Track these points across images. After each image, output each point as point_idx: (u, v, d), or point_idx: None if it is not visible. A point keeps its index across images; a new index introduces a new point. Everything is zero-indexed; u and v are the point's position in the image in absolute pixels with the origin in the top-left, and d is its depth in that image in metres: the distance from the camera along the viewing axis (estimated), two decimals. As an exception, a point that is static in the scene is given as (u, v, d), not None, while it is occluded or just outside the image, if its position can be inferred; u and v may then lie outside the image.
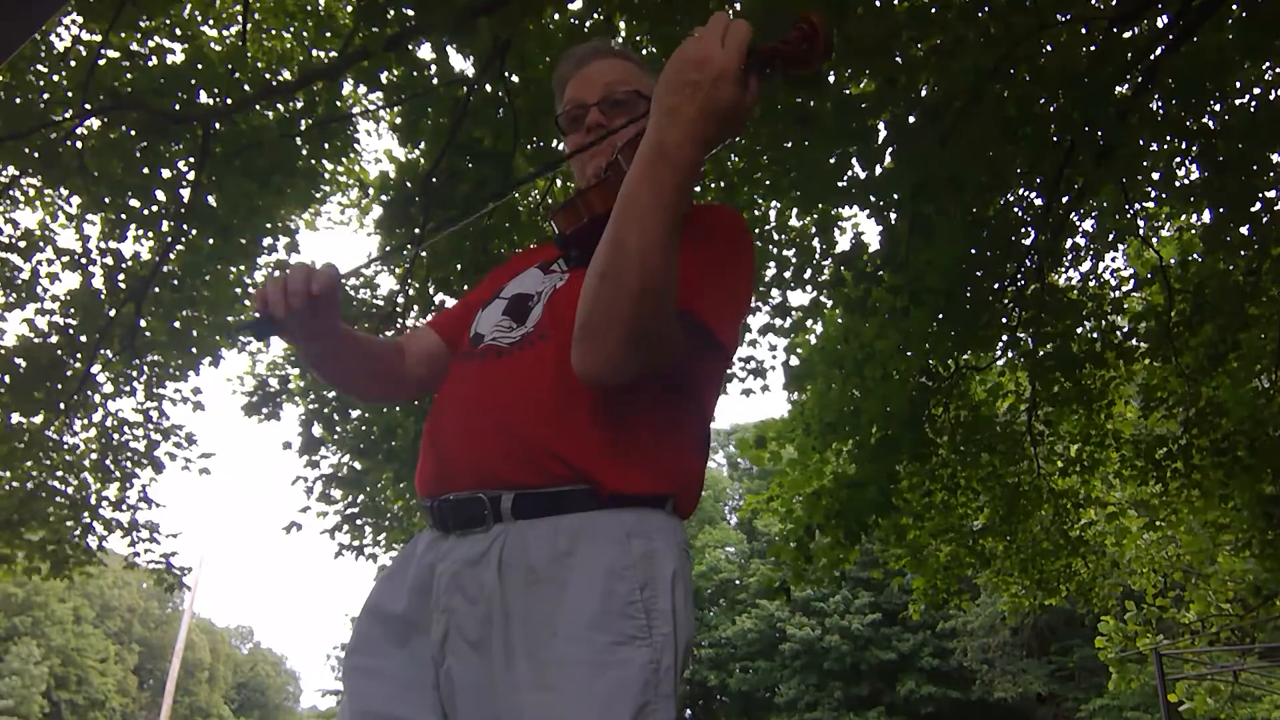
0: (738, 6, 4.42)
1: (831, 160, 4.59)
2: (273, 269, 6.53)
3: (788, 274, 6.20)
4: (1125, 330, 6.89)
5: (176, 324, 6.31)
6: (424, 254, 5.64)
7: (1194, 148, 4.92)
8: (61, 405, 6.29)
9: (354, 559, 7.31)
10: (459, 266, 5.70)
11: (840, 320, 6.49)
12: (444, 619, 1.13)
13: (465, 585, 1.12)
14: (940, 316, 5.80)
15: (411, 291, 6.01)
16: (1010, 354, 7.13)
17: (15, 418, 6.30)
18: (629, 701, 1.01)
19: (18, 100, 5.00)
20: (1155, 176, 5.48)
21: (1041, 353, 6.52)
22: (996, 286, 6.20)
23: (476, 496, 1.15)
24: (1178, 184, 5.32)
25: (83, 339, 6.11)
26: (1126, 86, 5.16)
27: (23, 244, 5.92)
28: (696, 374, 1.25)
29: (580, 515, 1.12)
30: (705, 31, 1.03)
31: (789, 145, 4.76)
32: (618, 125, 1.34)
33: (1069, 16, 4.42)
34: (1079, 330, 6.61)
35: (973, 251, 5.59)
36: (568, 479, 1.13)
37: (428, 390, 1.46)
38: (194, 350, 6.52)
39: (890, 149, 4.58)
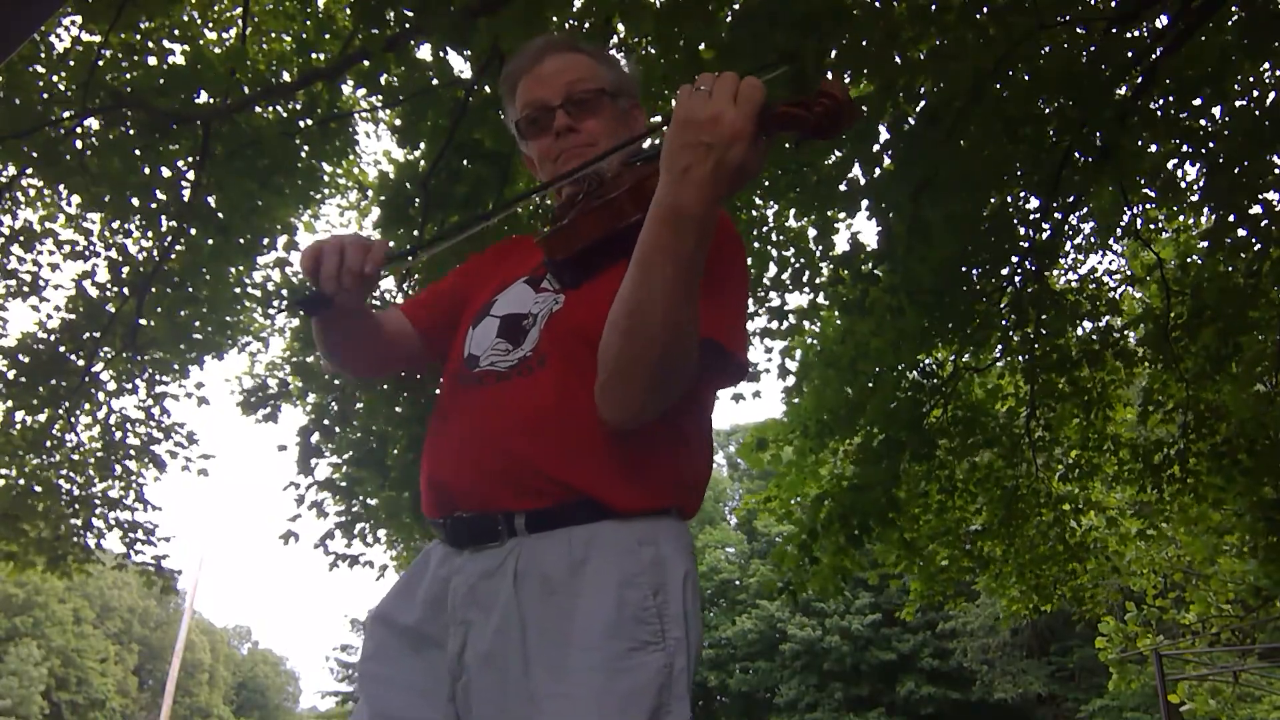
0: (735, 7, 4.41)
1: (829, 161, 4.58)
2: (273, 267, 6.53)
3: (786, 277, 6.18)
4: (1122, 332, 6.86)
5: (176, 324, 6.31)
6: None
7: (1194, 148, 4.91)
8: (65, 403, 6.30)
9: (348, 568, 7.18)
10: (457, 266, 5.67)
11: (838, 321, 6.48)
12: (461, 631, 1.14)
13: (481, 598, 1.14)
14: (935, 315, 5.79)
15: (410, 291, 6.01)
16: (1009, 356, 7.10)
17: (19, 414, 6.31)
18: (644, 705, 1.03)
19: (18, 100, 5.00)
20: (1155, 177, 5.47)
21: (1039, 352, 6.49)
22: (993, 286, 6.20)
23: (490, 514, 1.16)
24: (1177, 184, 5.31)
25: (85, 335, 6.12)
26: (1126, 87, 5.14)
27: (23, 237, 5.93)
28: (704, 389, 1.26)
29: (592, 525, 1.13)
30: (715, 87, 0.99)
31: (787, 146, 4.75)
32: (591, 132, 1.33)
33: (1068, 17, 4.42)
34: (1077, 332, 6.59)
35: (968, 248, 5.58)
36: (576, 500, 1.14)
37: (394, 371, 1.47)
38: (193, 354, 6.52)
39: (889, 151, 4.57)
